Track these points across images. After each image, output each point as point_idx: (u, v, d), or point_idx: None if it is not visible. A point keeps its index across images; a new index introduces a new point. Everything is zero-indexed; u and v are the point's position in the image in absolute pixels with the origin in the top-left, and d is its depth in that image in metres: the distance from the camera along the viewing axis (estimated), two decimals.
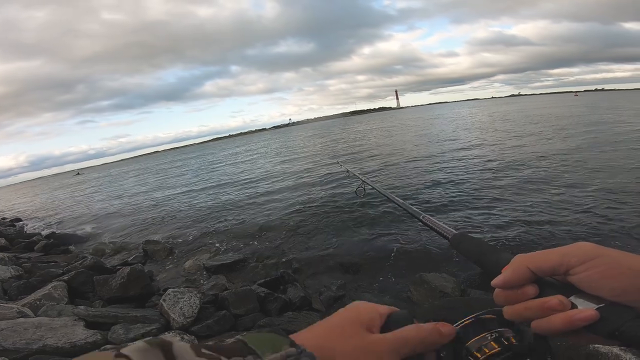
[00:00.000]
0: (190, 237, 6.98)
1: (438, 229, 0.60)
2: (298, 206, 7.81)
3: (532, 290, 0.35)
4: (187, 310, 3.05)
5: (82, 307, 3.56)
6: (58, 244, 7.70)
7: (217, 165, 24.68)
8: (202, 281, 4.72)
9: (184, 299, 3.07)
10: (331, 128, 65.10)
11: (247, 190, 11.01)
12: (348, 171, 2.12)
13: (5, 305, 3.09)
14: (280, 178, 12.46)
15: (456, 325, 0.37)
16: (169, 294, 3.07)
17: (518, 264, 0.36)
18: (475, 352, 0.36)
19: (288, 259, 5.01)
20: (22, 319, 2.68)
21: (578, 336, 0.33)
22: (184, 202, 11.32)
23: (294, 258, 5.00)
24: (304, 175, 12.19)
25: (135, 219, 10.09)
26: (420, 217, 0.72)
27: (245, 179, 13.67)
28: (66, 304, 3.76)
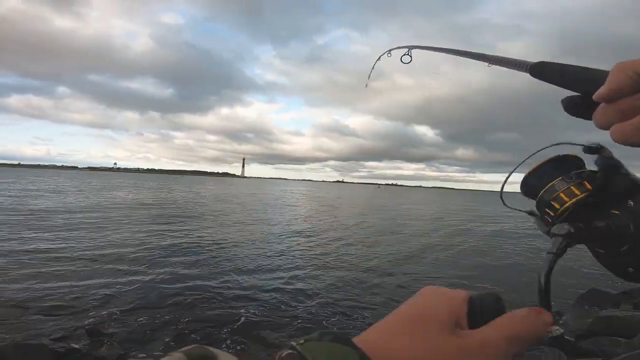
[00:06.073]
0: None
1: (512, 63, 0.47)
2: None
3: None
4: None
5: None
6: None
7: None
8: None
9: None
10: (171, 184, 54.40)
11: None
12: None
13: None
14: None
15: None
16: None
17: (621, 69, 0.25)
18: (552, 202, 0.30)
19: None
20: None
21: None
22: None
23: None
24: None
25: None
26: (486, 57, 0.56)
27: None
28: None
